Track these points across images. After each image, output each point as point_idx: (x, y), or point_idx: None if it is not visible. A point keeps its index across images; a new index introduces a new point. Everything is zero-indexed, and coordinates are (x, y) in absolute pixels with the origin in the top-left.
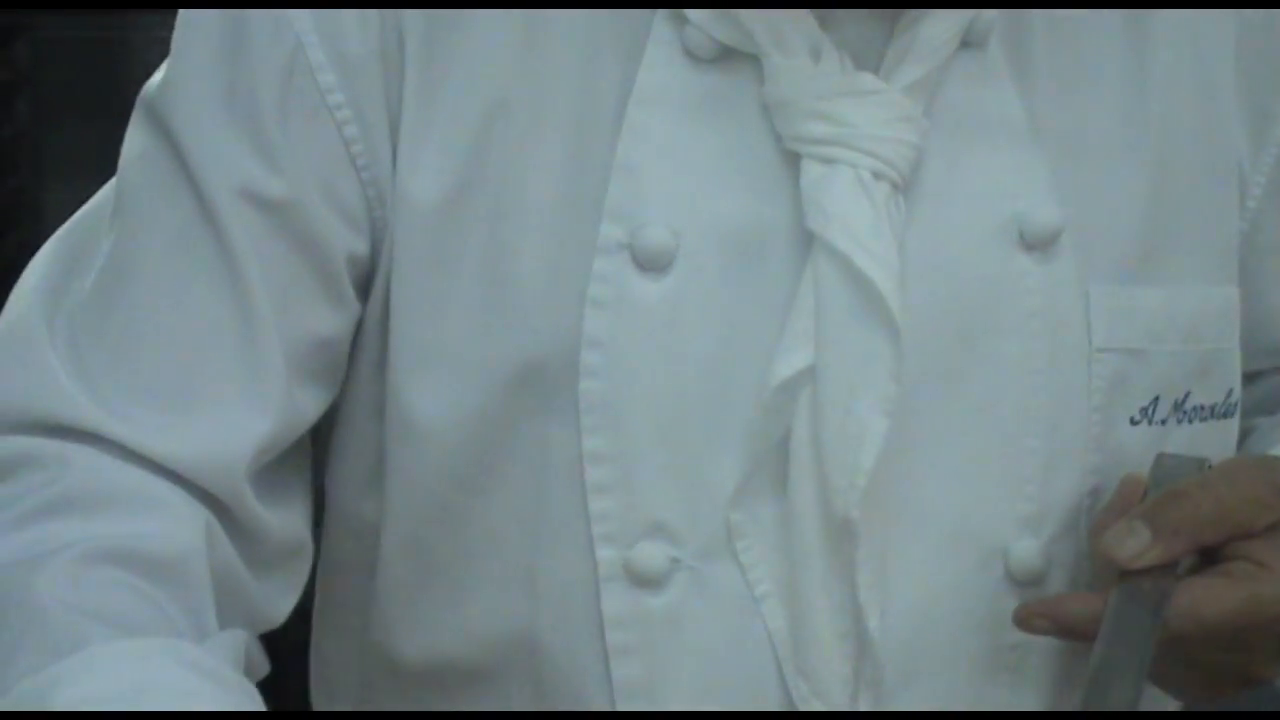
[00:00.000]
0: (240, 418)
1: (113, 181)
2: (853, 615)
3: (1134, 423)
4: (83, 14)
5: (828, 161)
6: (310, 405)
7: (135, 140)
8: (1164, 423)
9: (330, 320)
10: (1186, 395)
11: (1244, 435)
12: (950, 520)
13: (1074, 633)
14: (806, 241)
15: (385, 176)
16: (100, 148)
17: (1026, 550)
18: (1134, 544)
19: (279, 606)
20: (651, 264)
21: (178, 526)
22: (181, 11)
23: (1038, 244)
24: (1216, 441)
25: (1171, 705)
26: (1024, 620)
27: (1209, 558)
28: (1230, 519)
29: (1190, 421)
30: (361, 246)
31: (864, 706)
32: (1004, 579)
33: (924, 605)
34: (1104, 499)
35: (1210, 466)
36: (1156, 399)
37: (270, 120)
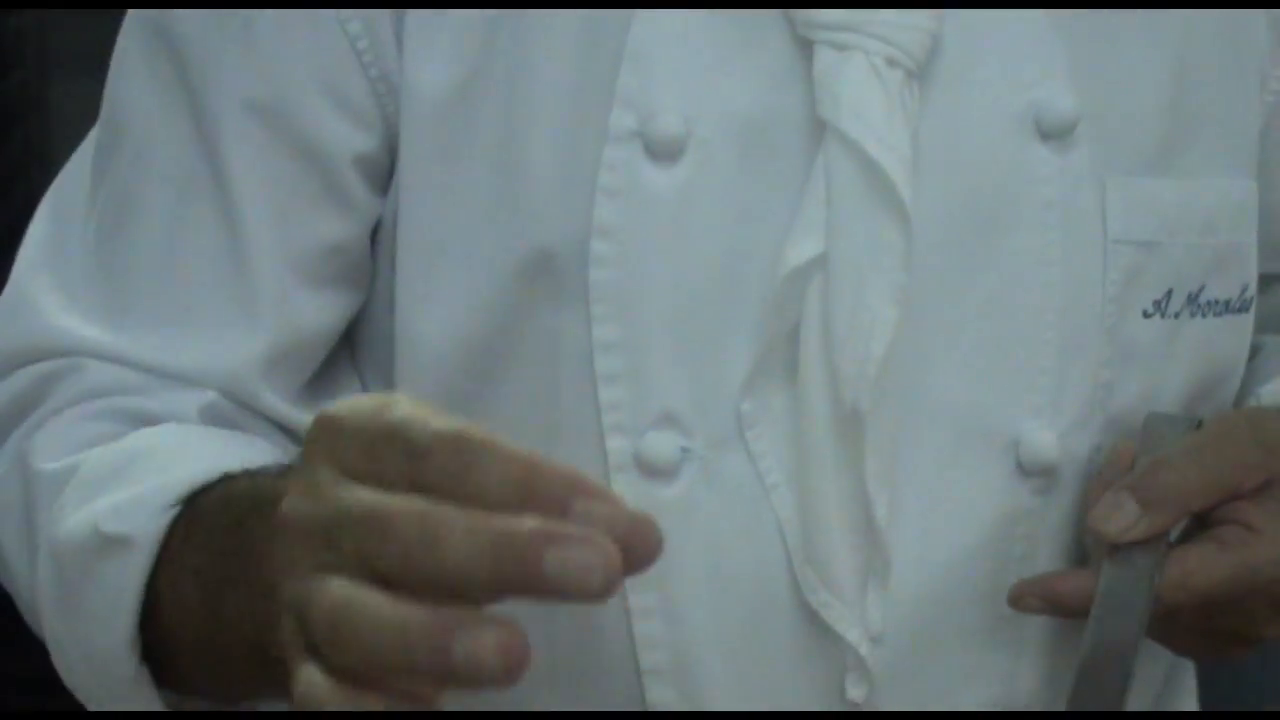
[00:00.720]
0: (234, 330)
1: (98, 128)
2: (862, 505)
3: (1147, 315)
4: None
5: (841, 48)
6: (328, 310)
7: (130, 50)
8: (1177, 316)
9: (338, 226)
10: (1201, 289)
11: (1252, 353)
12: (961, 410)
13: (1067, 609)
14: (819, 130)
15: (393, 70)
16: (106, 42)
17: (1038, 441)
18: (1121, 519)
19: None
20: (663, 152)
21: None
22: None
23: (1054, 134)
24: (1230, 337)
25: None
26: (1016, 599)
27: (1201, 521)
28: (1218, 485)
29: (1204, 315)
30: (371, 144)
31: (872, 596)
32: (1015, 471)
33: (934, 495)
34: (1116, 394)
35: (1200, 425)
36: (1170, 292)
37: (268, 20)
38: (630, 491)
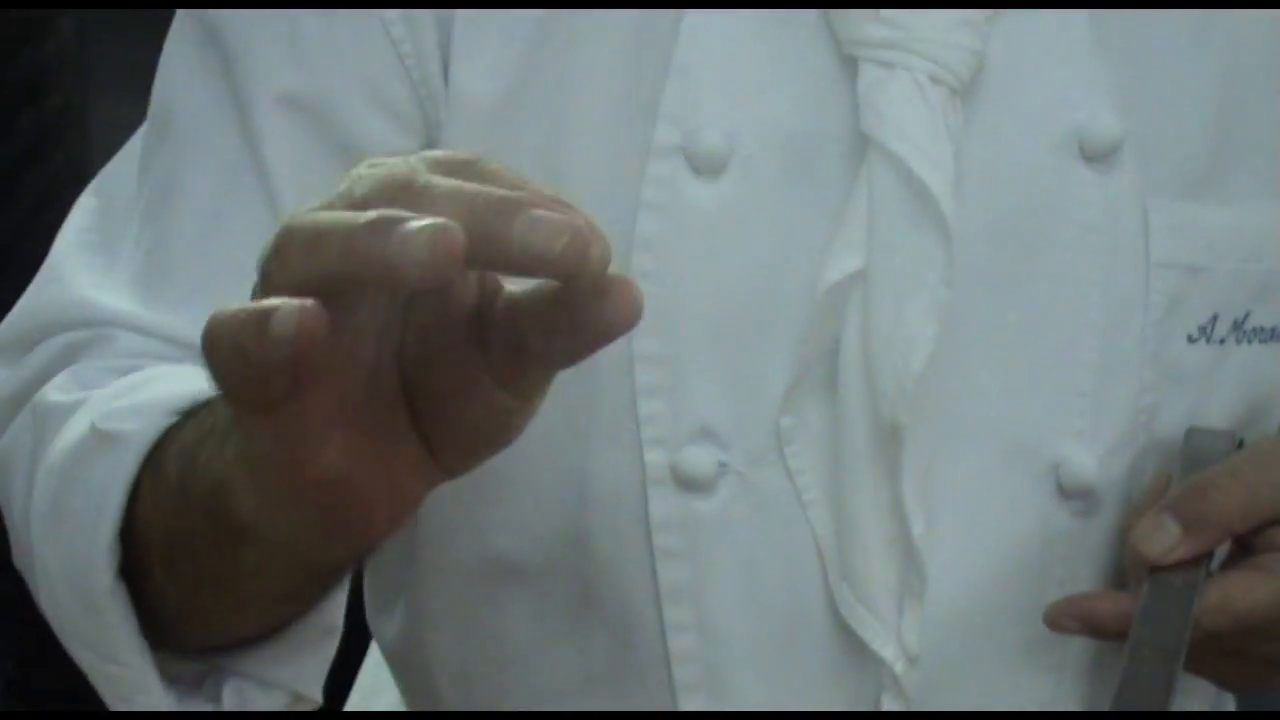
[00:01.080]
0: None
1: (145, 126)
2: (899, 522)
3: (1191, 340)
4: None
5: (885, 65)
6: None
7: (178, 43)
8: (1222, 342)
9: None
10: (1246, 315)
11: None
12: (1001, 430)
13: (1105, 631)
14: (861, 146)
15: (435, 74)
16: (145, 64)
17: (1078, 463)
18: (1163, 539)
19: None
20: (706, 167)
21: None
22: None
23: (1098, 156)
24: (1276, 364)
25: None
26: (1053, 620)
27: (1242, 545)
28: (1261, 508)
29: (1249, 342)
30: (410, 146)
31: (908, 615)
32: (1055, 492)
33: (971, 514)
34: (1159, 419)
35: (1242, 442)
36: (1215, 317)
37: (313, 23)
38: (667, 505)
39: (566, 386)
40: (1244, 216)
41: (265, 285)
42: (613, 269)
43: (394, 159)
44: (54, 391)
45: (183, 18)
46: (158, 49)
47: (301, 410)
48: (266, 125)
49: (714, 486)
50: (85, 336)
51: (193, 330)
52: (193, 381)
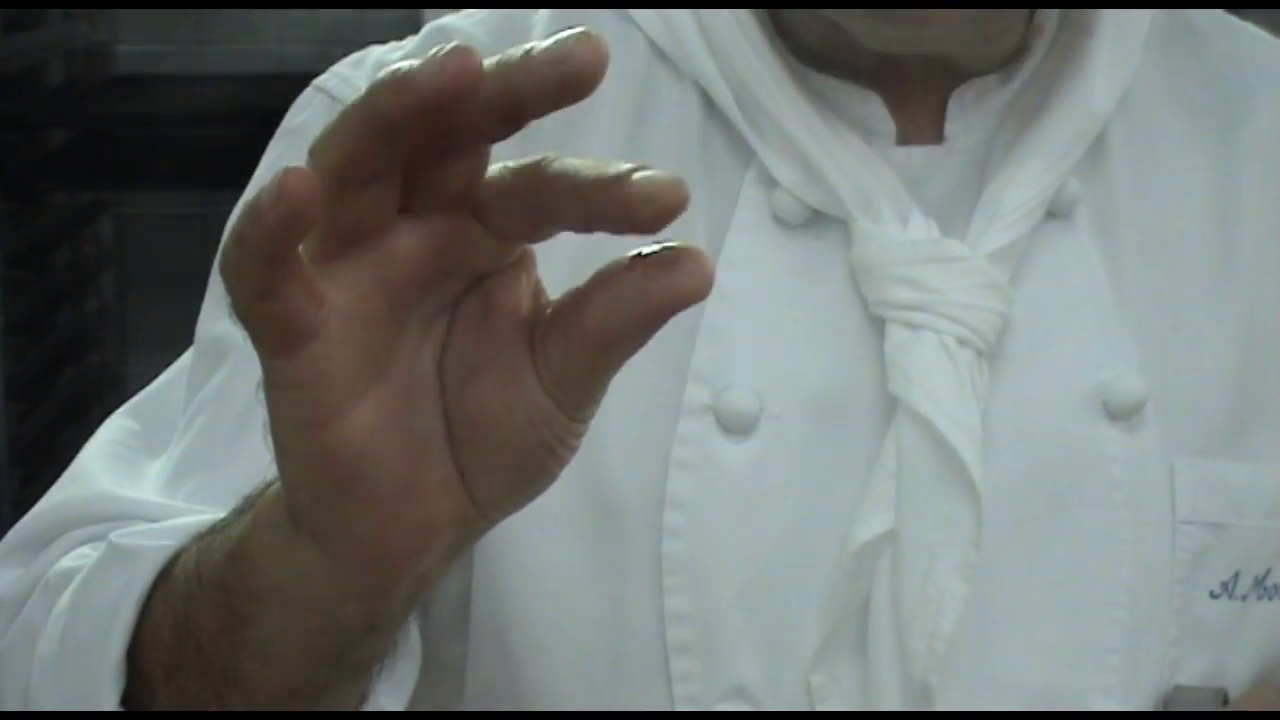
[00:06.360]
0: None
1: (185, 356)
2: None
3: (1214, 596)
4: (167, 191)
5: (912, 327)
6: None
7: (218, 295)
8: (1245, 598)
9: None
10: (1268, 572)
11: None
12: (1033, 688)
13: None
14: (890, 406)
15: None
16: (184, 324)
17: None
18: None
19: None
20: (735, 426)
21: None
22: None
23: (1122, 414)
24: None
25: None
26: None
27: None
28: None
29: (1271, 599)
30: None
31: None
32: None
33: None
34: (1181, 673)
35: (1227, 698)
36: (1238, 574)
37: None
38: None
39: (596, 644)
40: (1266, 474)
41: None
42: (642, 527)
43: None
44: (68, 560)
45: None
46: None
47: (329, 364)
48: None
49: None
50: (105, 529)
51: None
52: (206, 514)
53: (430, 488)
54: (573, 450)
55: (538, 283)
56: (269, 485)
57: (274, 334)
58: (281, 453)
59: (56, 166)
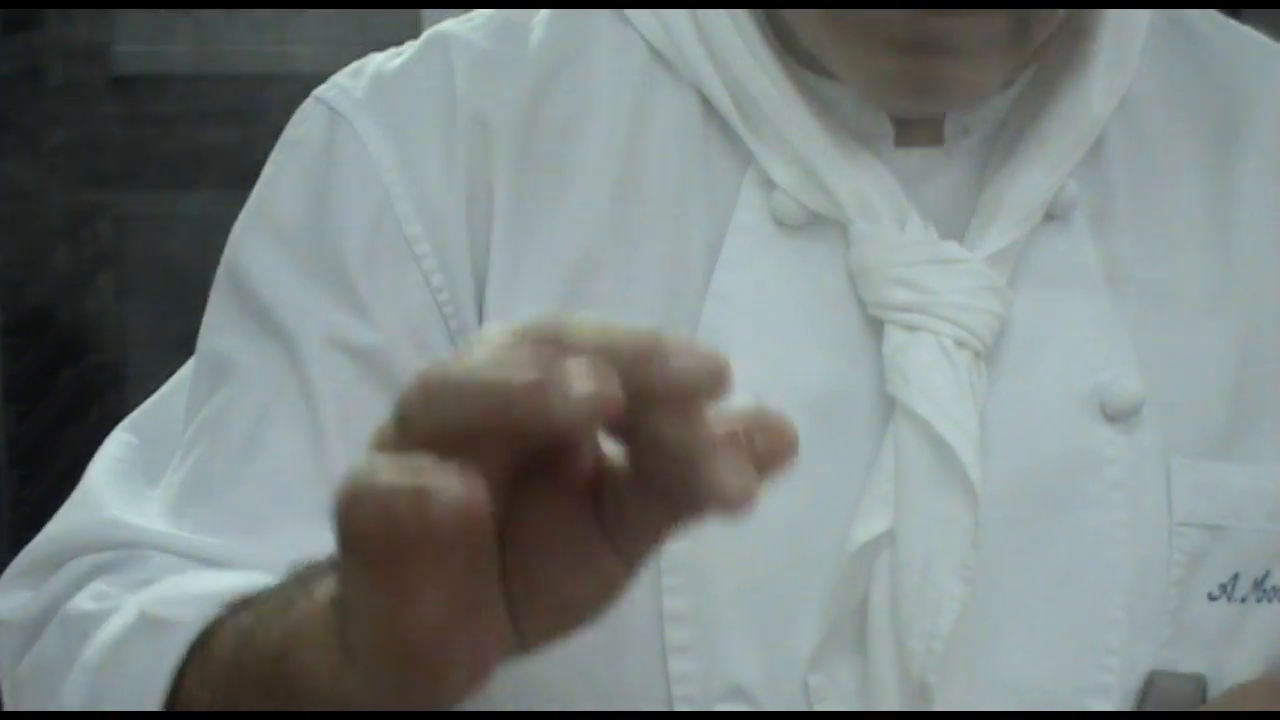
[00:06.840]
0: (309, 540)
1: (187, 367)
2: None
3: (1212, 598)
4: (164, 192)
5: (910, 329)
6: None
7: (217, 310)
8: (1243, 600)
9: None
10: (1266, 574)
11: None
12: (1029, 688)
13: None
14: (888, 407)
15: (472, 325)
16: (184, 324)
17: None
18: None
19: None
20: None
21: None
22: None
23: (1120, 415)
24: None
25: None
26: None
27: None
28: None
29: (1270, 601)
30: None
31: None
32: None
33: None
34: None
35: (1205, 685)
36: (1236, 576)
37: (358, 271)
38: None
39: (595, 644)
40: (1265, 476)
41: (404, 429)
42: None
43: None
44: (85, 601)
45: (218, 281)
46: (193, 309)
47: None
48: (313, 354)
49: None
50: (115, 556)
51: (226, 553)
52: (240, 580)
53: (485, 636)
54: (625, 592)
55: (597, 441)
56: (311, 577)
57: (376, 561)
58: (333, 646)
59: (56, 166)
